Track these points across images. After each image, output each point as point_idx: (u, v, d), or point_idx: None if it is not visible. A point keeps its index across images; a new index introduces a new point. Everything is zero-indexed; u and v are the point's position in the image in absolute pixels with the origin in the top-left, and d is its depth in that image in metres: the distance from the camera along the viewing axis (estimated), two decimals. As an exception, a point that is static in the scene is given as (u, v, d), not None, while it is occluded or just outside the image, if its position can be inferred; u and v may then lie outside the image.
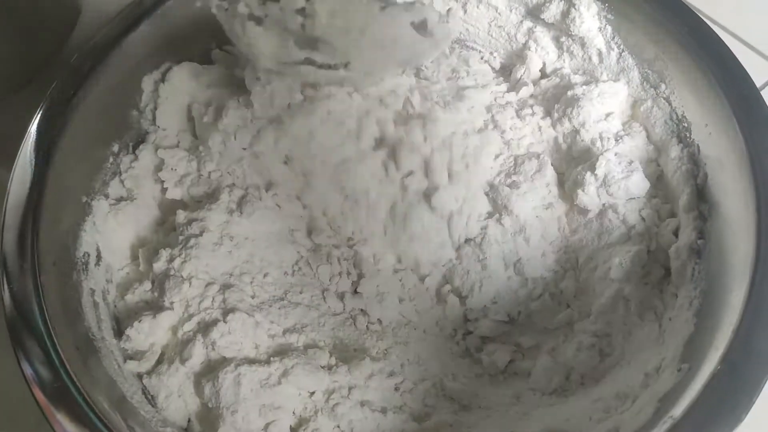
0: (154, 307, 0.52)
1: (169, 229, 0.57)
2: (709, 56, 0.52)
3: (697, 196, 0.53)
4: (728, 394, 0.40)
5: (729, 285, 0.45)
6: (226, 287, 0.53)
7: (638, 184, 0.55)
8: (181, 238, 0.54)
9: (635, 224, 0.55)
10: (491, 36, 0.66)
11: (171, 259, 0.53)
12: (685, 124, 0.55)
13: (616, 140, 0.57)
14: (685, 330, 0.47)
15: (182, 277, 0.52)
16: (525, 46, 0.64)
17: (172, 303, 0.51)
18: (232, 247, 0.55)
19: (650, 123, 0.58)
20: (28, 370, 0.43)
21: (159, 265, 0.53)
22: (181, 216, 0.56)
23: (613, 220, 0.55)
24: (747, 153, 0.48)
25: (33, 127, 0.51)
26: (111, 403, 0.44)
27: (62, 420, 0.42)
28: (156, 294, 0.53)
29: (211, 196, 0.57)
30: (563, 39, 0.62)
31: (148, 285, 0.53)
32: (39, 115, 0.51)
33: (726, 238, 0.49)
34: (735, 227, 0.48)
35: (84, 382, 0.43)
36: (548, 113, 0.61)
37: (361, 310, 0.56)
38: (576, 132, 0.59)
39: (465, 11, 0.65)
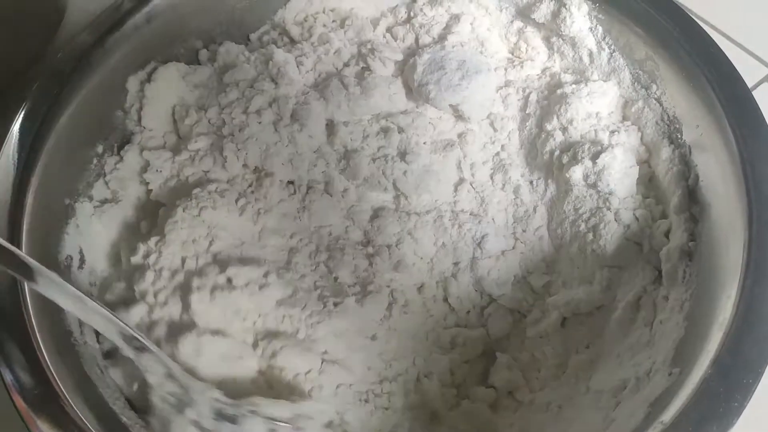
0: (128, 301, 0.50)
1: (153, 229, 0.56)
2: (701, 56, 0.52)
3: (688, 198, 0.52)
4: (719, 399, 0.39)
5: (720, 287, 0.45)
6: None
7: (623, 180, 0.55)
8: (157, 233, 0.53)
9: (630, 224, 0.54)
10: (481, 36, 0.65)
11: (147, 254, 0.52)
12: (677, 125, 0.55)
13: (606, 139, 0.57)
14: (676, 333, 0.47)
15: (154, 270, 0.51)
16: (515, 46, 0.64)
17: (142, 294, 0.50)
18: (206, 240, 0.53)
19: (641, 124, 0.58)
20: (8, 376, 0.42)
21: (136, 259, 0.52)
22: (162, 214, 0.55)
23: (607, 215, 0.54)
24: (738, 154, 0.47)
25: (15, 128, 0.50)
26: (93, 409, 0.43)
27: (43, 427, 0.41)
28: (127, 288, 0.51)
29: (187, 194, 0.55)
30: (554, 39, 0.62)
31: (124, 284, 0.52)
32: (21, 116, 0.50)
33: (717, 240, 0.48)
34: (726, 229, 0.48)
35: (65, 388, 0.42)
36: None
37: None
38: (564, 129, 0.58)
39: (455, 10, 0.64)
